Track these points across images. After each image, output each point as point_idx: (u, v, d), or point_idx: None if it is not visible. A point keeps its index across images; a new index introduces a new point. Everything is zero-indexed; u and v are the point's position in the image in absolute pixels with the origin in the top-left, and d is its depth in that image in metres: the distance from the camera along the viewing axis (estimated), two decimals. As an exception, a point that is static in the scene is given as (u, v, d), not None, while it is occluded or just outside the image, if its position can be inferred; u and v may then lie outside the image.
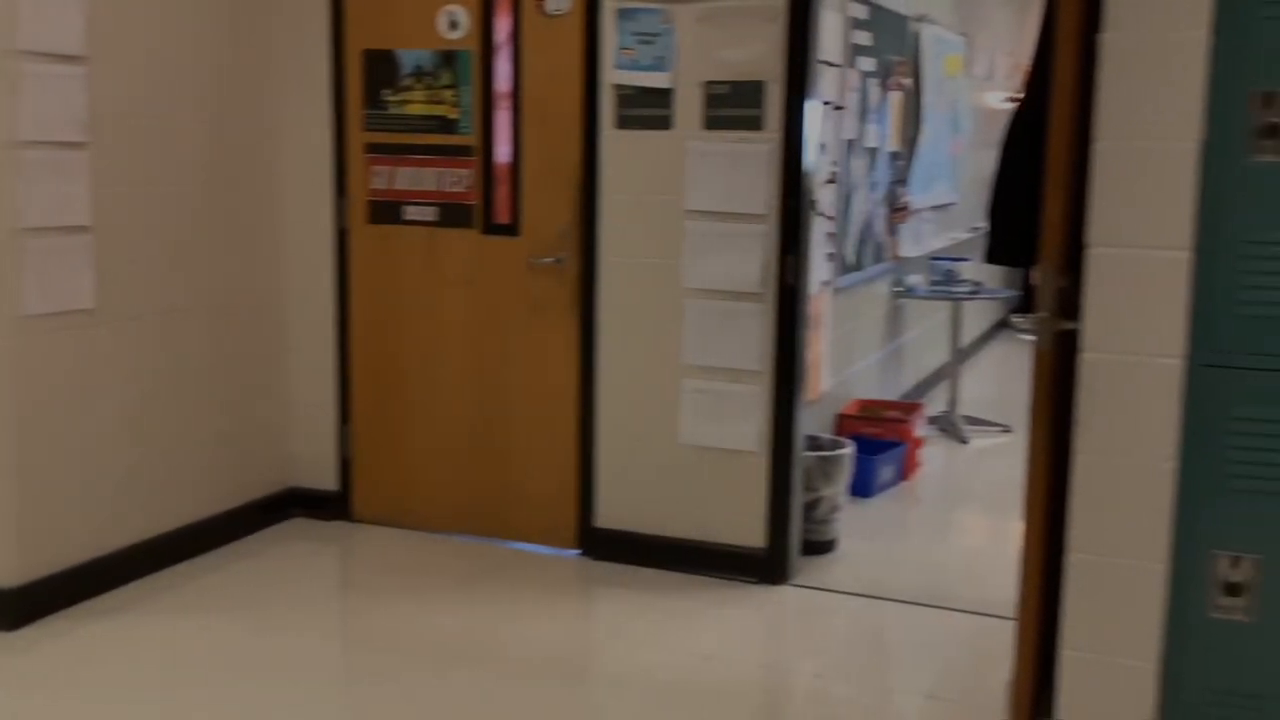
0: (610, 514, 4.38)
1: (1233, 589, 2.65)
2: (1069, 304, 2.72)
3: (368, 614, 3.94)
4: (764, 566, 4.21)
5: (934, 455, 5.99)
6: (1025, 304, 3.12)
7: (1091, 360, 2.65)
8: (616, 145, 4.22)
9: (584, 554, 4.44)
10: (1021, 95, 3.20)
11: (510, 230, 4.41)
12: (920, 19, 6.24)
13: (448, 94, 4.43)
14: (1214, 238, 2.58)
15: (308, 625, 3.83)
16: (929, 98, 6.45)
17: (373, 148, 4.55)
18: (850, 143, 5.31)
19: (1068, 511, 2.73)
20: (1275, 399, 2.57)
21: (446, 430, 4.59)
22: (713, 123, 4.08)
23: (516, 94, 4.35)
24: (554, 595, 4.11)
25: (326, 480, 4.77)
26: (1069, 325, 2.73)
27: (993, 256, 3.34)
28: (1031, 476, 2.83)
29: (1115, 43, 2.55)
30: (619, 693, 3.44)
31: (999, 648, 3.52)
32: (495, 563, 4.39)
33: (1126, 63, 2.55)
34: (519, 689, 3.41)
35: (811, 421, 4.93)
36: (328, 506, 4.78)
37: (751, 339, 4.14)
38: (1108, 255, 2.62)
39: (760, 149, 4.03)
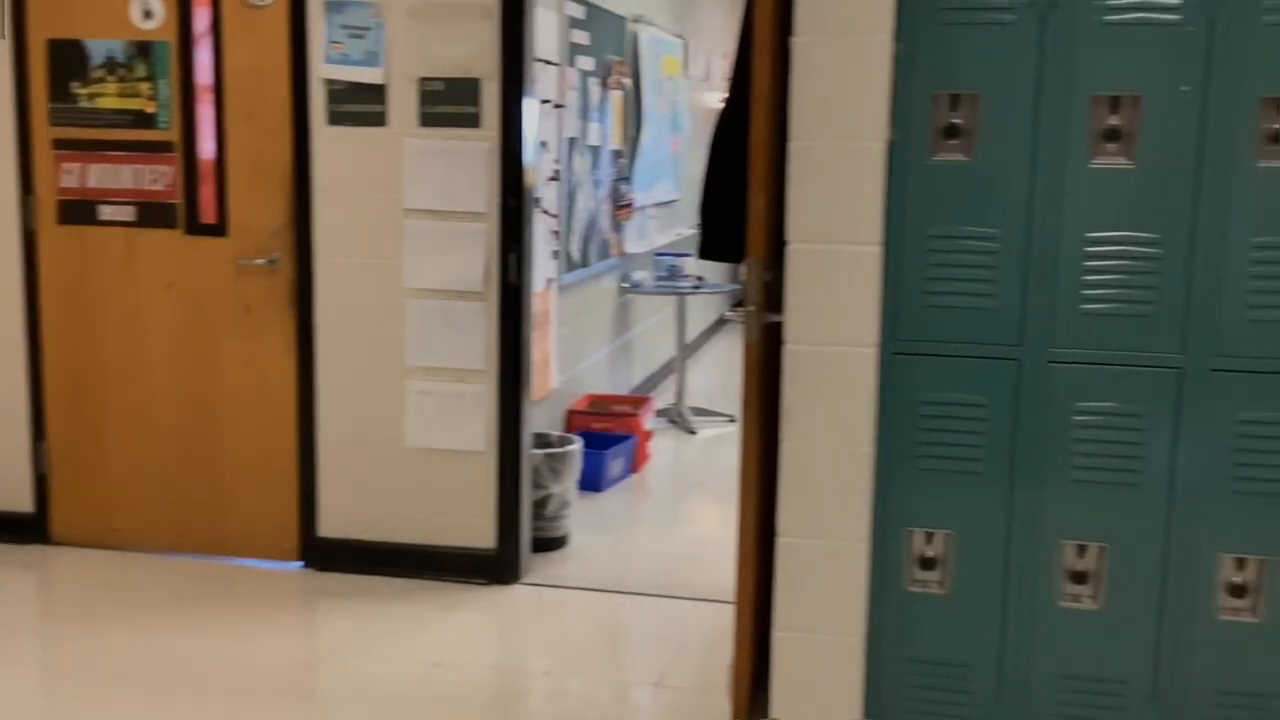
0: (334, 523, 4.25)
1: (928, 563, 2.82)
2: (775, 298, 2.82)
3: (72, 641, 3.67)
4: (495, 567, 4.18)
5: (663, 447, 6.11)
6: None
7: (794, 351, 2.75)
8: (329, 142, 4.09)
9: (307, 566, 4.29)
10: (727, 96, 3.29)
11: (217, 230, 4.21)
12: (638, 20, 6.35)
13: (144, 87, 4.18)
14: (901, 233, 2.73)
15: (3, 658, 3.53)
16: (649, 97, 6.57)
17: (61, 143, 4.24)
18: (572, 141, 5.34)
19: (777, 497, 2.83)
20: (957, 384, 2.74)
21: (153, 443, 4.33)
22: (429, 120, 4.02)
23: (219, 88, 4.15)
24: (276, 610, 3.95)
25: (20, 501, 4.42)
26: (775, 318, 2.82)
27: (705, 252, 3.42)
28: (744, 465, 2.91)
29: (805, 46, 2.66)
30: (347, 707, 3.34)
31: (728, 632, 3.61)
32: (212, 580, 4.18)
33: (816, 65, 2.66)
34: (241, 710, 3.26)
35: (541, 419, 4.94)
36: (23, 530, 4.42)
37: (476, 338, 4.10)
38: (806, 250, 2.73)
39: (479, 147, 3.99)
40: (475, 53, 3.96)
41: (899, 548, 2.82)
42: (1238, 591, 2.68)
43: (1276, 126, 2.56)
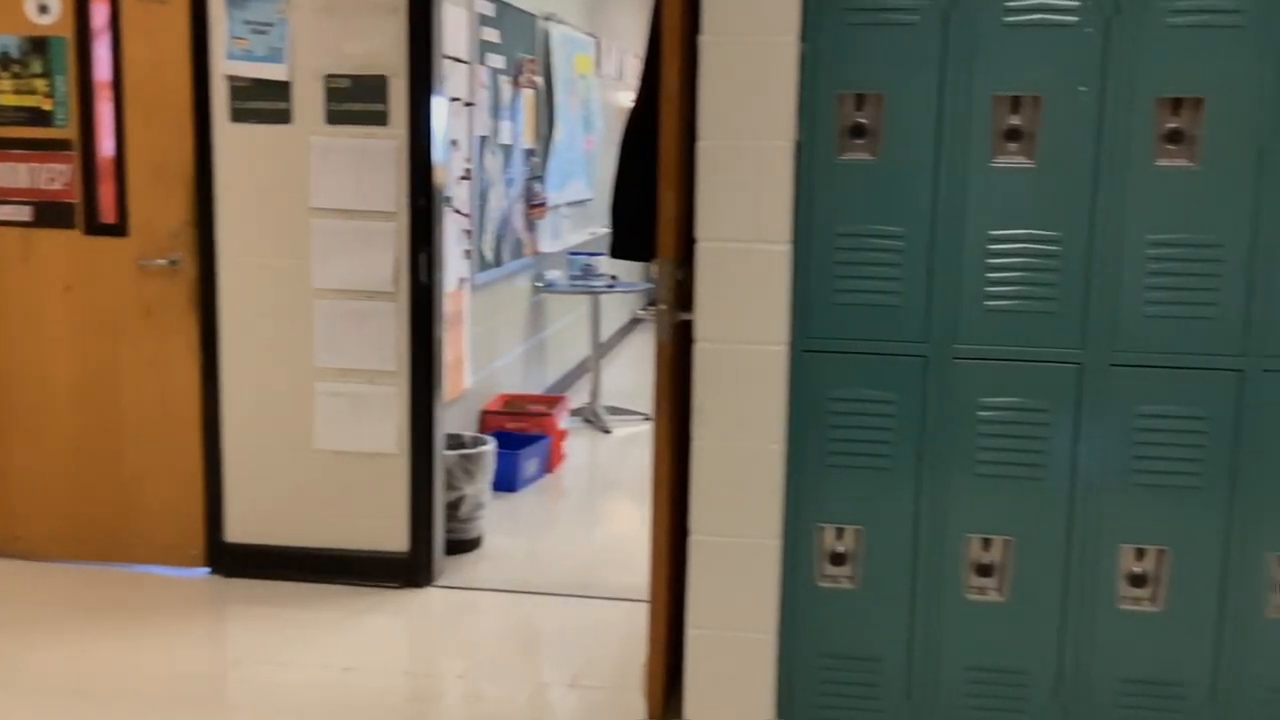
0: (242, 528, 4.17)
1: (838, 559, 2.84)
2: (686, 296, 2.82)
3: (-37, 657, 3.56)
4: (407, 570, 4.13)
5: (578, 446, 6.10)
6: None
7: (704, 349, 2.76)
8: (233, 140, 4.01)
9: (214, 572, 4.19)
10: (637, 95, 3.29)
11: (118, 230, 4.10)
12: (549, 18, 6.33)
13: (40, 84, 4.06)
14: (810, 232, 2.75)
15: (-111, 677, 3.41)
16: (561, 96, 6.55)
17: (-47, 142, 4.11)
18: (484, 139, 5.30)
19: (689, 495, 2.83)
20: (866, 381, 2.77)
21: (52, 447, 4.20)
22: (336, 117, 3.95)
23: (119, 84, 4.04)
24: (182, 618, 3.86)
25: (-88, 512, 4.27)
26: (686, 316, 2.83)
27: (616, 251, 3.42)
28: (657, 464, 2.92)
29: (712, 46, 2.66)
30: (255, 716, 3.28)
31: (644, 631, 3.61)
32: (116, 588, 4.08)
33: (723, 65, 2.67)
34: (141, 723, 3.19)
35: (454, 419, 4.90)
36: (-86, 541, 4.28)
37: (386, 339, 4.04)
38: (715, 249, 2.73)
39: (387, 145, 3.94)
40: (382, 49, 3.90)
41: (809, 544, 2.84)
42: (1138, 581, 2.75)
43: (1171, 126, 2.63)
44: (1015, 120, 2.67)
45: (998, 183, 2.68)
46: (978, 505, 2.77)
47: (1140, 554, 2.74)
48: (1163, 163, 2.63)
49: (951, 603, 2.80)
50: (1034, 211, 2.68)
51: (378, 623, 3.88)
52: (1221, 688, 2.74)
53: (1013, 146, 2.68)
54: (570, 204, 7.05)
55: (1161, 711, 2.77)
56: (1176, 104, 2.62)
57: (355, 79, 3.93)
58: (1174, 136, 2.63)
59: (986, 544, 2.79)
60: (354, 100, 3.94)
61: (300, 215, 4.02)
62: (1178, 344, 2.66)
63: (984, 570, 2.80)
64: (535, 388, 6.53)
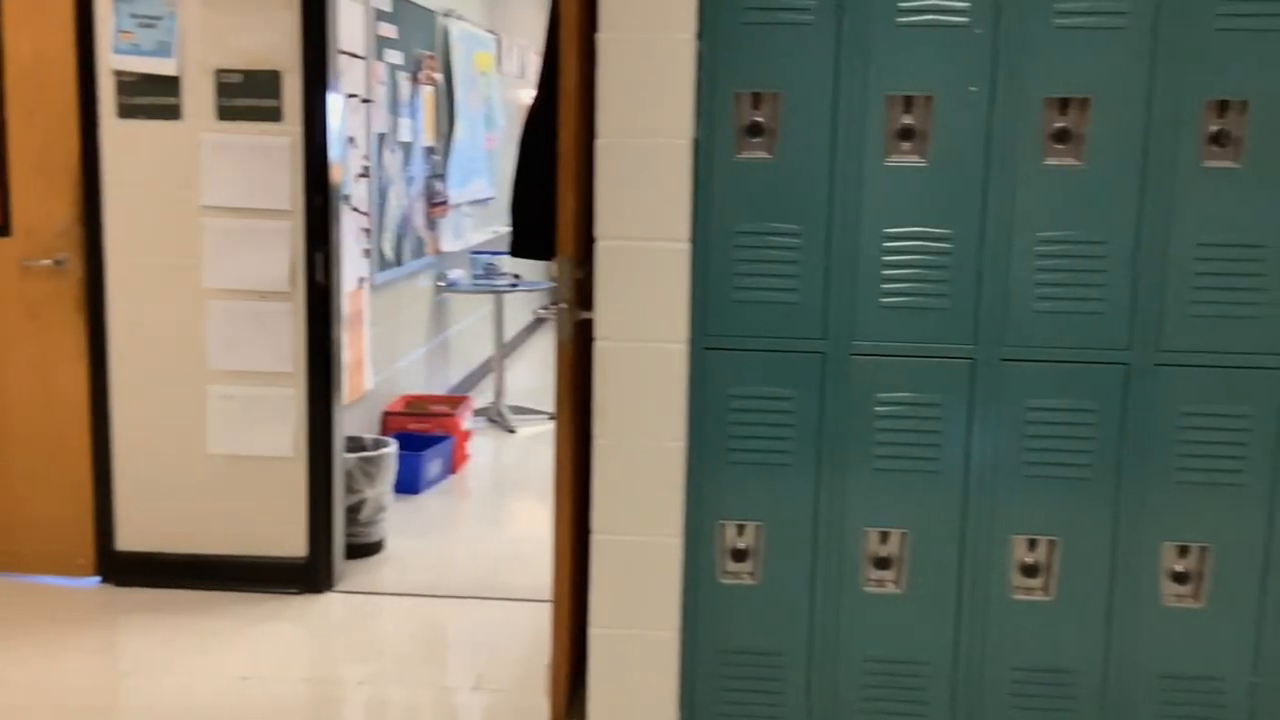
0: (133, 535, 4.06)
1: (739, 555, 2.86)
2: (587, 295, 2.81)
3: None
4: (306, 575, 4.06)
5: (483, 447, 6.06)
6: None
7: (604, 348, 2.75)
8: (120, 136, 3.90)
9: (105, 581, 4.08)
10: (536, 92, 3.27)
11: (0, 230, 3.96)
12: (448, 14, 6.27)
13: (-87, 77, 3.91)
14: (709, 230, 2.75)
15: None
16: (461, 93, 6.49)
17: None
18: (382, 137, 5.23)
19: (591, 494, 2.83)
20: (765, 378, 2.78)
21: (-68, 457, 4.06)
22: (227, 113, 3.87)
23: (0, 78, 3.91)
24: (71, 629, 3.74)
25: None
26: (587, 315, 2.82)
27: (517, 250, 3.40)
28: (559, 463, 2.90)
29: (609, 43, 2.65)
30: (145, 728, 3.20)
31: (548, 632, 3.59)
32: (3, 599, 3.93)
33: (621, 62, 2.66)
34: (26, 739, 3.08)
35: (355, 421, 4.83)
36: None
37: (282, 340, 3.97)
38: (615, 247, 2.72)
39: (280, 142, 3.87)
40: (275, 44, 3.83)
41: (711, 541, 2.85)
42: (1030, 571, 2.81)
43: (1058, 126, 2.69)
44: (908, 119, 2.70)
45: (892, 181, 2.72)
46: (875, 499, 2.81)
47: (1032, 544, 2.80)
48: (1051, 161, 2.69)
49: (850, 596, 2.84)
50: (927, 210, 2.72)
51: (276, 630, 3.80)
52: (1112, 675, 2.81)
53: (906, 145, 2.71)
54: (472, 202, 6.99)
55: (1054, 699, 2.83)
56: (1064, 104, 2.68)
57: (247, 74, 3.85)
58: (1061, 136, 2.68)
59: (884, 537, 2.82)
60: (246, 96, 3.86)
61: (191, 214, 3.92)
62: (1066, 339, 2.73)
63: (882, 563, 2.83)
64: (439, 388, 6.46)
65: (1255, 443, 2.72)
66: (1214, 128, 2.66)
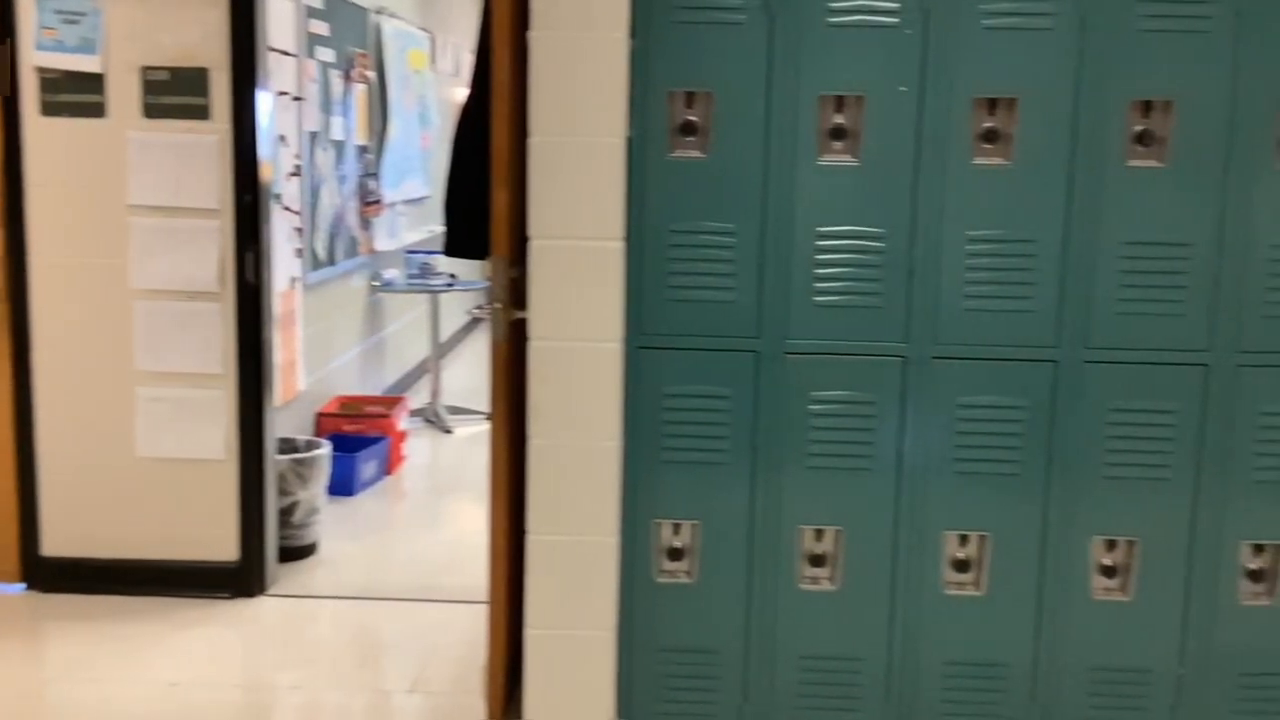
0: (59, 540, 3.97)
1: (675, 554, 2.86)
2: (522, 294, 2.79)
3: None
4: (238, 579, 4.00)
5: (419, 447, 6.00)
6: None
7: (539, 348, 2.74)
8: (44, 134, 3.81)
9: (30, 588, 3.98)
10: (469, 91, 3.25)
11: (-83, 230, 3.86)
12: (380, 12, 6.21)
13: None
14: (643, 229, 2.75)
15: None
16: (395, 91, 6.43)
17: None
18: (314, 135, 5.17)
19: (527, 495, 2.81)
20: (700, 376, 2.79)
21: None
22: (154, 111, 3.80)
23: (-85, 74, 3.81)
24: (-6, 638, 3.66)
25: None
26: (521, 315, 2.80)
27: (451, 250, 3.37)
28: (494, 463, 2.89)
29: (542, 41, 2.64)
30: (71, 737, 3.13)
31: (485, 634, 3.57)
32: (-80, 610, 3.84)
33: (554, 61, 2.65)
34: (-53, 751, 3.00)
35: (288, 423, 4.77)
36: None
37: (212, 341, 3.90)
38: (549, 247, 2.72)
39: (208, 140, 3.80)
40: (202, 41, 3.76)
41: (647, 540, 2.85)
42: (962, 567, 2.84)
43: (987, 126, 2.72)
44: (840, 119, 2.72)
45: (824, 180, 2.73)
46: (810, 497, 2.82)
47: (964, 540, 2.83)
48: (980, 161, 2.72)
49: (786, 593, 2.85)
50: (859, 209, 2.74)
51: (207, 635, 3.74)
52: (1042, 667, 2.86)
53: (838, 145, 2.73)
54: (407, 201, 6.93)
55: (986, 691, 2.87)
56: (992, 104, 2.71)
57: (174, 71, 3.78)
58: (990, 135, 2.72)
59: (819, 534, 2.84)
60: (173, 93, 3.79)
61: (117, 213, 3.85)
62: (995, 336, 2.76)
63: (817, 560, 2.85)
64: (374, 389, 6.40)
65: (1180, 438, 2.78)
66: (1139, 128, 2.71)
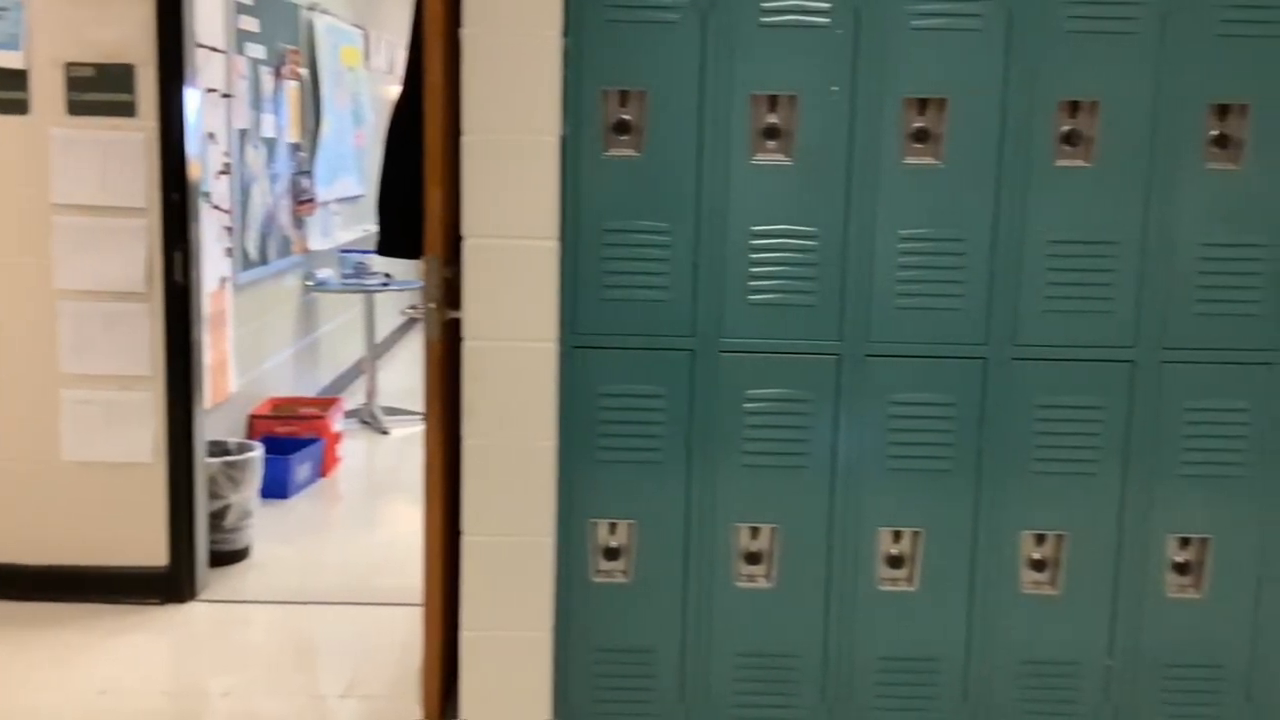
0: (-18, 547, 3.89)
1: (611, 553, 2.85)
2: (456, 294, 2.77)
3: None
4: (168, 585, 3.93)
5: (355, 449, 5.94)
6: None
7: (473, 348, 2.72)
8: (-37, 131, 3.73)
9: (-49, 596, 3.90)
10: (402, 88, 3.22)
11: None
12: (312, 8, 6.14)
13: None
14: (577, 227, 2.74)
15: None
16: (328, 89, 6.36)
17: None
18: (244, 133, 5.09)
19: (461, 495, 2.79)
20: (635, 375, 2.79)
21: None
22: (78, 108, 3.73)
23: None
24: (-87, 649, 3.57)
25: None
26: (455, 314, 2.78)
27: (384, 249, 3.34)
28: (429, 464, 2.87)
29: (474, 38, 2.62)
30: (-5, 749, 3.06)
31: (421, 636, 3.54)
32: None
33: (486, 58, 2.63)
34: None
35: (219, 425, 4.70)
36: None
37: (139, 342, 3.84)
38: (482, 246, 2.69)
39: (134, 138, 3.74)
40: (128, 36, 3.70)
41: (583, 540, 2.84)
42: (895, 562, 2.86)
43: (917, 125, 2.74)
44: (773, 119, 2.73)
45: (758, 180, 2.74)
46: (745, 495, 2.83)
47: (897, 536, 2.86)
48: (910, 161, 2.74)
49: (722, 592, 2.86)
50: (792, 208, 2.75)
51: (135, 641, 3.67)
52: (974, 661, 2.89)
53: (771, 144, 2.74)
54: (341, 200, 6.86)
55: (919, 686, 2.89)
56: (922, 104, 2.73)
57: (99, 67, 3.71)
58: (920, 135, 2.74)
59: (755, 532, 2.85)
60: (98, 90, 3.72)
61: (41, 211, 3.77)
62: (927, 334, 2.78)
63: (753, 558, 2.86)
64: (308, 390, 6.33)
65: (1107, 433, 2.82)
66: (1066, 127, 2.75)
